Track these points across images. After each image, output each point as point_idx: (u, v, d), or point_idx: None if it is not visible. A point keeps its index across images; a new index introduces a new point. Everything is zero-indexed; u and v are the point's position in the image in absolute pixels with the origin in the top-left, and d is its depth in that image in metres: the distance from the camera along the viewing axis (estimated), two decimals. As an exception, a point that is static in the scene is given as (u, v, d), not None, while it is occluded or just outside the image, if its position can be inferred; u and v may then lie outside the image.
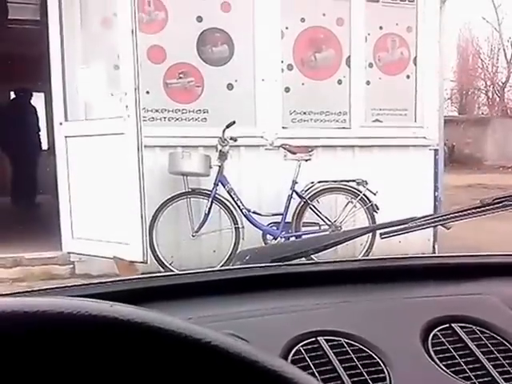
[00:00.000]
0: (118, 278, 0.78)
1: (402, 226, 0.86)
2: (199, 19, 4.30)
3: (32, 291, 0.75)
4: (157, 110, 4.24)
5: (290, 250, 0.88)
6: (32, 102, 7.40)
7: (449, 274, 0.86)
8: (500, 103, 20.82)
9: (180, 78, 4.30)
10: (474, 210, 0.89)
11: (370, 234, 4.29)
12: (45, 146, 8.00)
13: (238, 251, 4.06)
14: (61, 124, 3.99)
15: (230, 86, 4.39)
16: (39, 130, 7.56)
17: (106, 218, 3.70)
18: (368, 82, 4.74)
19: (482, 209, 0.88)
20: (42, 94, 8.03)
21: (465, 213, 0.88)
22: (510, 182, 11.49)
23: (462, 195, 8.38)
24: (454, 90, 22.26)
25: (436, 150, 4.93)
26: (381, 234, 0.88)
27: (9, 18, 7.15)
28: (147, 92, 4.03)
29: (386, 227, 0.89)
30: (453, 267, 0.91)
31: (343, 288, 0.81)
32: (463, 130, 17.10)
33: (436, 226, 0.91)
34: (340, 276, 0.84)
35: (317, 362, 0.65)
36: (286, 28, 4.50)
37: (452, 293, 0.82)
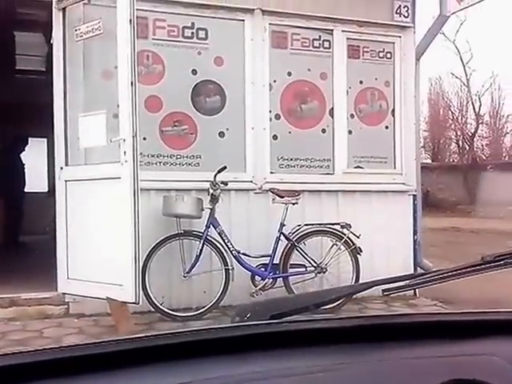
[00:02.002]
0: (123, 337, 0.71)
1: (405, 283, 0.81)
2: (194, 72, 4.35)
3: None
4: (153, 155, 4.23)
5: (290, 306, 0.83)
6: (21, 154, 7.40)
7: (451, 332, 0.80)
8: (470, 152, 21.21)
9: (175, 125, 4.31)
10: (475, 268, 0.83)
11: (355, 270, 4.23)
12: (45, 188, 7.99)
13: (227, 291, 3.98)
14: (61, 168, 3.94)
15: (221, 134, 4.41)
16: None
17: (100, 259, 3.60)
18: (350, 132, 4.80)
19: (484, 266, 0.83)
20: (45, 140, 8.06)
21: (466, 270, 0.83)
22: (481, 226, 11.59)
23: (438, 237, 8.40)
24: (427, 139, 22.67)
25: (414, 196, 4.95)
26: (383, 291, 0.83)
27: (16, 68, 7.22)
28: (144, 138, 4.02)
29: (388, 282, 0.83)
30: (454, 325, 0.84)
31: (344, 348, 0.75)
32: (436, 177, 17.33)
33: (440, 283, 0.85)
34: (341, 334, 0.77)
35: None
36: (274, 81, 4.57)
37: (455, 353, 0.75)
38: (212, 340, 0.73)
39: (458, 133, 22.48)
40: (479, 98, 21.81)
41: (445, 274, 0.84)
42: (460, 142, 22.52)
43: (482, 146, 22.57)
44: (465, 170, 18.71)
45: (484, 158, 21.40)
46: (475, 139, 21.74)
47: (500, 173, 17.38)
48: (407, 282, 0.82)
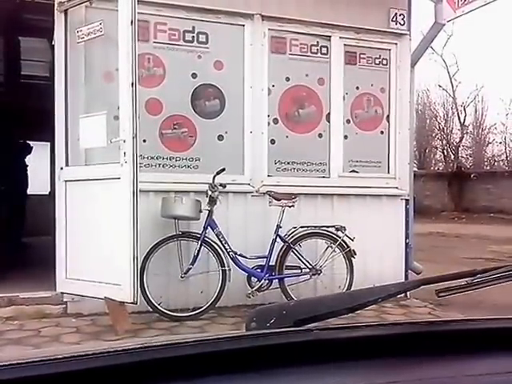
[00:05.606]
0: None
1: (462, 283, 0.63)
2: (194, 76, 4.20)
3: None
4: (152, 157, 4.07)
5: (320, 309, 0.66)
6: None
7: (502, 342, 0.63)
8: (455, 160, 21.15)
9: (175, 128, 4.16)
10: None
11: (349, 272, 4.06)
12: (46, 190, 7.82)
13: (224, 291, 3.81)
14: (61, 169, 3.79)
15: (220, 137, 4.26)
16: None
17: (98, 259, 3.44)
18: (346, 137, 4.66)
19: None
20: (48, 144, 7.89)
21: None
22: (465, 231, 11.54)
23: (424, 242, 8.27)
24: (414, 147, 22.55)
25: (407, 200, 4.81)
26: (437, 293, 0.66)
27: (21, 73, 7.06)
28: (144, 140, 3.88)
29: (437, 281, 0.67)
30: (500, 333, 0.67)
31: (389, 362, 0.57)
32: (423, 184, 17.23)
33: (503, 282, 0.66)
34: (384, 344, 0.60)
35: None
36: (273, 86, 4.43)
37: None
38: (221, 353, 0.55)
39: (444, 142, 22.43)
40: (464, 109, 21.79)
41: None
42: (445, 151, 22.46)
43: (467, 155, 22.53)
44: (450, 177, 18.64)
45: (468, 166, 21.32)
46: (460, 148, 21.70)
47: (482, 181, 17.35)
48: (467, 280, 0.63)
